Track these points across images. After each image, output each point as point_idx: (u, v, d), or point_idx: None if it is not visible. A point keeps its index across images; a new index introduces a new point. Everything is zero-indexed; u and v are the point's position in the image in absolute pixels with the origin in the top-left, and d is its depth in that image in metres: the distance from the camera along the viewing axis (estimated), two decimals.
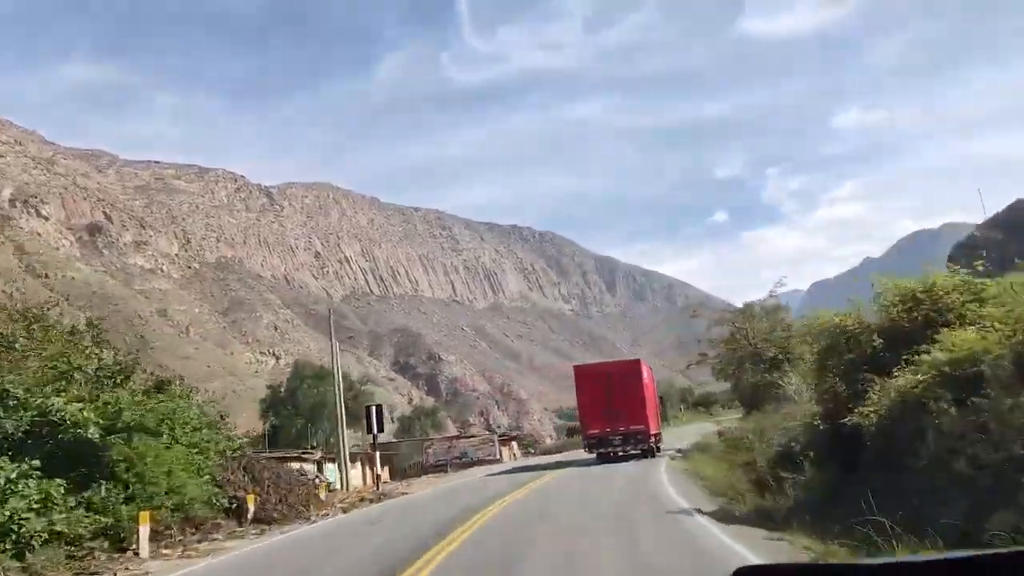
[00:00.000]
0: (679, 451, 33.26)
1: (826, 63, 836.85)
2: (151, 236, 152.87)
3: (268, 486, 22.01)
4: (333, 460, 40.26)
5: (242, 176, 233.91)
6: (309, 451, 40.21)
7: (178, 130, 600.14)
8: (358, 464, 46.16)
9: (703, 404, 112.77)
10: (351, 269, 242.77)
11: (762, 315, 39.18)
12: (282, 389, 62.25)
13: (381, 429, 33.49)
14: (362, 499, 26.34)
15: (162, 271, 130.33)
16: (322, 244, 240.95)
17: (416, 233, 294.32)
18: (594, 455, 33.31)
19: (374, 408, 33.86)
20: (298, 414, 56.60)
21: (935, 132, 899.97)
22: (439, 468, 50.86)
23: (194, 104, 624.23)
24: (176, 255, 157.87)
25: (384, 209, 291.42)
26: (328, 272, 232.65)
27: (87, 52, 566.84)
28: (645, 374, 34.92)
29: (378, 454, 37.90)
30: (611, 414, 31.87)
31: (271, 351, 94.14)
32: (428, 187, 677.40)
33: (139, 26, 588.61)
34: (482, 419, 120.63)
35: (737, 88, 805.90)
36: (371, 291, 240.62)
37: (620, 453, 32.17)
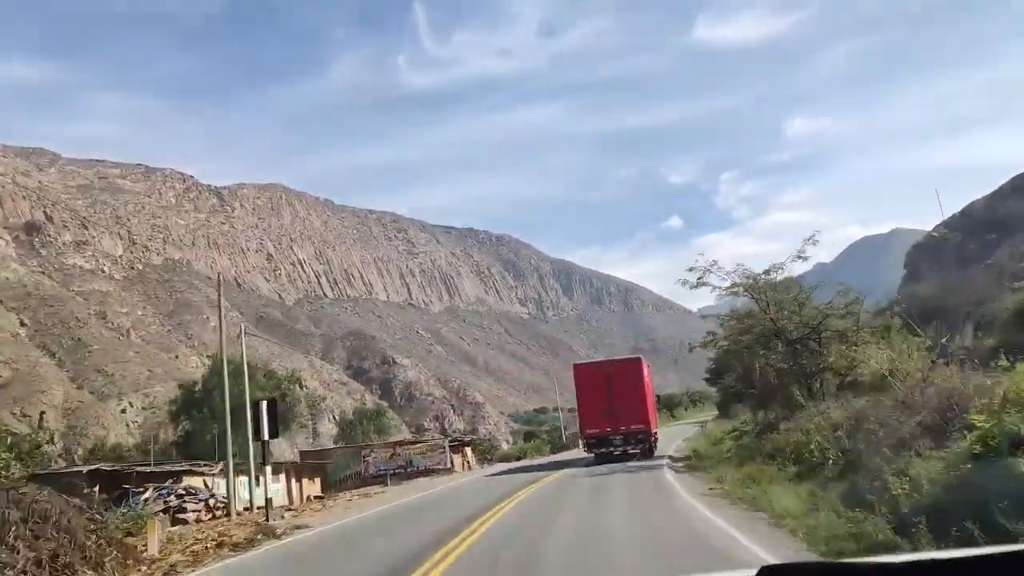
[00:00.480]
0: (672, 458, 29.82)
1: (775, 71, 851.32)
2: (93, 236, 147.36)
3: (15, 539, 12.08)
4: (249, 473, 34.73)
5: (191, 176, 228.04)
6: (204, 464, 34.08)
7: (124, 130, 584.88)
8: (281, 478, 40.13)
9: (667, 406, 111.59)
10: (304, 272, 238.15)
11: (785, 286, 30.70)
12: (197, 388, 53.24)
13: (275, 433, 24.30)
14: (221, 544, 16.86)
15: (103, 272, 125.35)
16: (274, 246, 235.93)
17: (371, 236, 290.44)
18: (592, 455, 32.85)
19: (264, 404, 23.62)
20: (214, 417, 46.67)
21: (879, 140, 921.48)
22: (379, 479, 44.91)
23: (142, 104, 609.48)
24: (120, 256, 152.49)
25: (338, 211, 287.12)
26: (280, 275, 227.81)
27: (29, 51, 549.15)
28: (645, 372, 34.41)
29: (266, 470, 26.12)
30: (612, 413, 31.40)
31: (218, 355, 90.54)
32: (383, 190, 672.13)
33: (85, 25, 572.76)
34: (437, 424, 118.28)
35: (690, 94, 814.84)
36: (324, 294, 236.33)
37: (619, 453, 31.58)
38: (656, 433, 35.98)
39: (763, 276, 28.66)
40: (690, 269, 29.20)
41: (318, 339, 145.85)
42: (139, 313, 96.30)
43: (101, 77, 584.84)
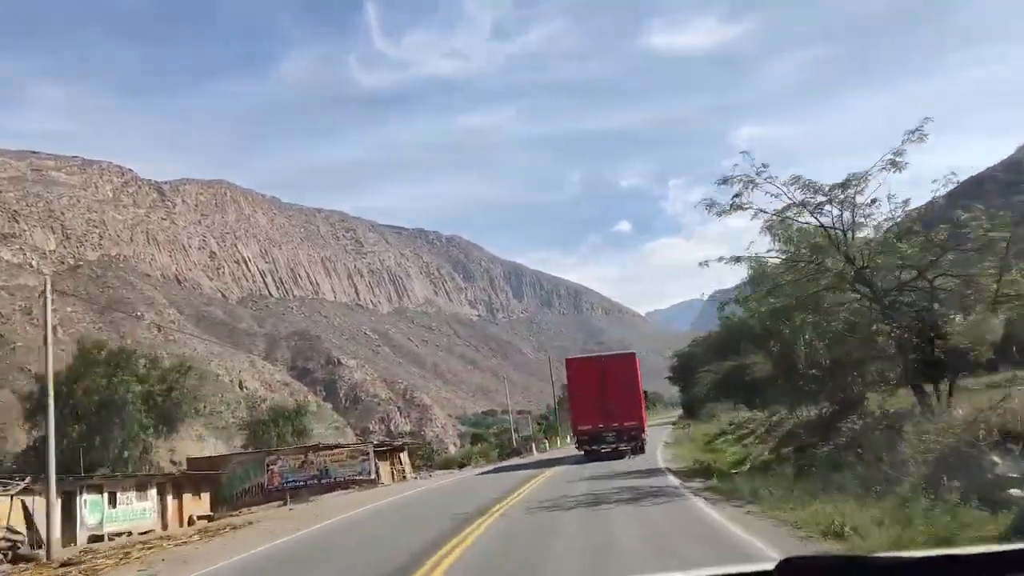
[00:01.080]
0: (676, 471, 23.41)
1: (726, 79, 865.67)
2: (24, 230, 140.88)
3: None
4: (101, 491, 29.04)
5: (130, 170, 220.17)
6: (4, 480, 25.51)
7: (65, 124, 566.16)
8: (152, 495, 32.67)
9: None
10: (249, 270, 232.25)
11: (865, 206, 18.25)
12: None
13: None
14: None
15: (31, 266, 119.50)
16: (218, 244, 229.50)
17: (319, 235, 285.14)
18: (581, 454, 32.67)
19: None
20: (78, 418, 40.15)
21: (825, 149, 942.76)
22: (290, 492, 37.39)
23: (84, 98, 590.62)
24: (52, 251, 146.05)
25: (285, 209, 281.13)
26: (224, 273, 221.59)
27: None
28: (638, 368, 34.06)
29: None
30: (605, 409, 30.92)
31: (152, 353, 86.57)
32: (332, 190, 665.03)
33: (27, 16, 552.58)
34: (383, 426, 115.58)
35: (642, 100, 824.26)
36: (270, 293, 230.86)
37: (609, 450, 31.22)
38: (645, 430, 35.37)
39: (839, 190, 17.59)
40: (723, 181, 18.66)
41: (261, 338, 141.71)
42: (68, 309, 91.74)
43: (40, 68, 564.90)
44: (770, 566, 1.94)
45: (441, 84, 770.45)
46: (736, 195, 18.58)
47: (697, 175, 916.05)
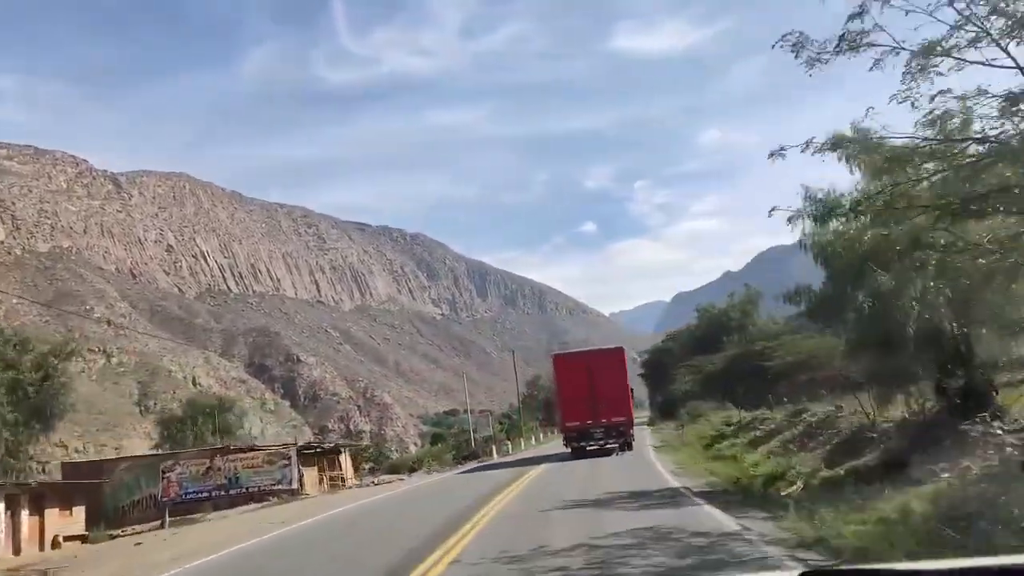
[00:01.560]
0: (702, 493, 15.82)
1: (692, 82, 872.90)
2: None
3: None
4: None
5: (84, 160, 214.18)
6: None
7: (17, 113, 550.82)
8: None
9: None
10: (207, 265, 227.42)
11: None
12: None
13: None
14: None
15: None
16: (176, 237, 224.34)
17: (280, 230, 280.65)
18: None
19: None
20: None
21: (789, 154, 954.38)
22: (191, 504, 32.38)
23: (37, 87, 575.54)
24: (1, 242, 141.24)
25: (246, 204, 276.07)
26: (181, 267, 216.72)
27: None
28: (626, 363, 33.88)
29: None
30: (593, 406, 30.56)
31: (101, 348, 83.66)
32: (295, 186, 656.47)
33: None
34: (343, 425, 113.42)
35: (608, 102, 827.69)
36: (229, 289, 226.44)
37: (595, 447, 31.00)
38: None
39: None
40: None
41: (218, 335, 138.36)
42: (13, 301, 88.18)
43: None
44: (795, 574, 1.94)
45: (408, 82, 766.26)
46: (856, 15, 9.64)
47: (662, 177, 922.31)
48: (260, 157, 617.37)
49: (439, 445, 59.09)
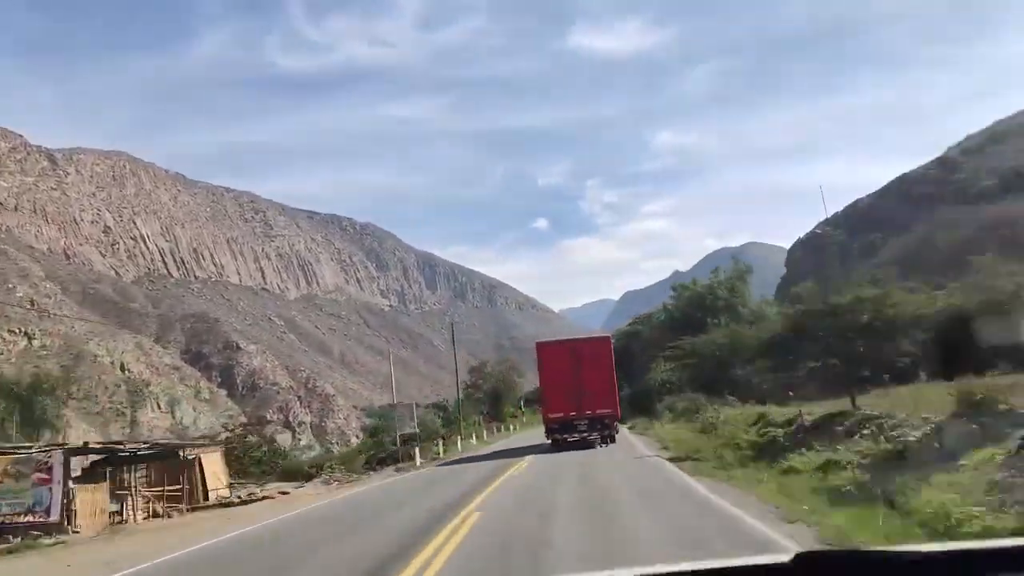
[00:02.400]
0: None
1: (646, 84, 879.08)
2: None
3: None
4: None
5: (19, 135, 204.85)
6: None
7: None
8: None
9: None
10: (147, 248, 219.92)
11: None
12: None
13: None
14: None
15: None
16: (114, 218, 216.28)
17: (226, 215, 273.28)
18: (548, 442, 31.15)
19: None
20: None
21: (737, 158, 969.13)
22: None
23: None
24: None
25: (190, 187, 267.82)
26: (119, 249, 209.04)
27: None
28: (612, 352, 32.90)
29: None
30: (578, 396, 29.55)
31: (22, 330, 78.99)
32: (243, 172, 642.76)
33: None
34: (282, 415, 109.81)
35: (564, 100, 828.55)
36: (169, 273, 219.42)
37: (576, 439, 29.64)
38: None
39: None
40: None
41: (154, 320, 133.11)
42: None
43: None
44: (787, 558, 1.97)
45: (363, 72, 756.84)
46: None
47: (615, 177, 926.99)
48: (207, 141, 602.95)
49: (380, 436, 51.29)
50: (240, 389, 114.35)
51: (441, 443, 41.89)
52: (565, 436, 30.14)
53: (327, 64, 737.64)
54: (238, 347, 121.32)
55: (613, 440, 31.00)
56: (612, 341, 33.72)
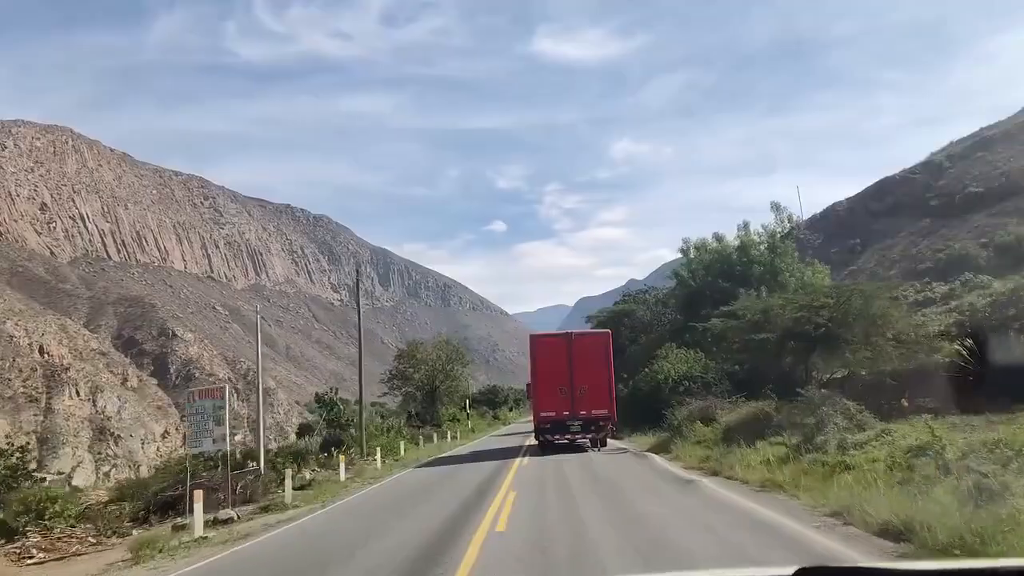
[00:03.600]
0: None
1: (608, 92, 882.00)
2: None
3: None
4: None
5: None
6: None
7: None
8: None
9: (490, 403, 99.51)
10: (86, 228, 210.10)
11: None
12: None
13: None
14: None
15: None
16: (52, 196, 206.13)
17: (173, 199, 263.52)
18: (535, 444, 29.93)
19: None
20: None
21: (693, 171, 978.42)
22: None
23: None
24: None
25: (136, 167, 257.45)
26: (56, 228, 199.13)
27: None
28: (611, 348, 30.25)
29: None
30: (572, 394, 27.93)
31: None
32: (194, 158, 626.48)
33: None
34: None
35: (526, 103, 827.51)
36: (109, 256, 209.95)
37: (565, 442, 28.35)
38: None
39: None
40: None
41: (85, 302, 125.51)
42: None
43: None
44: (790, 571, 1.96)
45: (323, 64, 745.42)
46: None
47: (572, 183, 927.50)
48: (158, 125, 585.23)
49: (309, 438, 45.15)
50: (174, 378, 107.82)
51: (340, 459, 26.54)
52: (555, 436, 28.57)
53: (286, 54, 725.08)
54: (174, 334, 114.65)
55: (605, 443, 29.28)
56: (611, 337, 30.88)
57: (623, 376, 37.17)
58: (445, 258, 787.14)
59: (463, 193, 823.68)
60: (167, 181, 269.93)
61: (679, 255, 47.09)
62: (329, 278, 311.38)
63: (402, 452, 36.35)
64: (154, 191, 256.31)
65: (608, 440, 30.33)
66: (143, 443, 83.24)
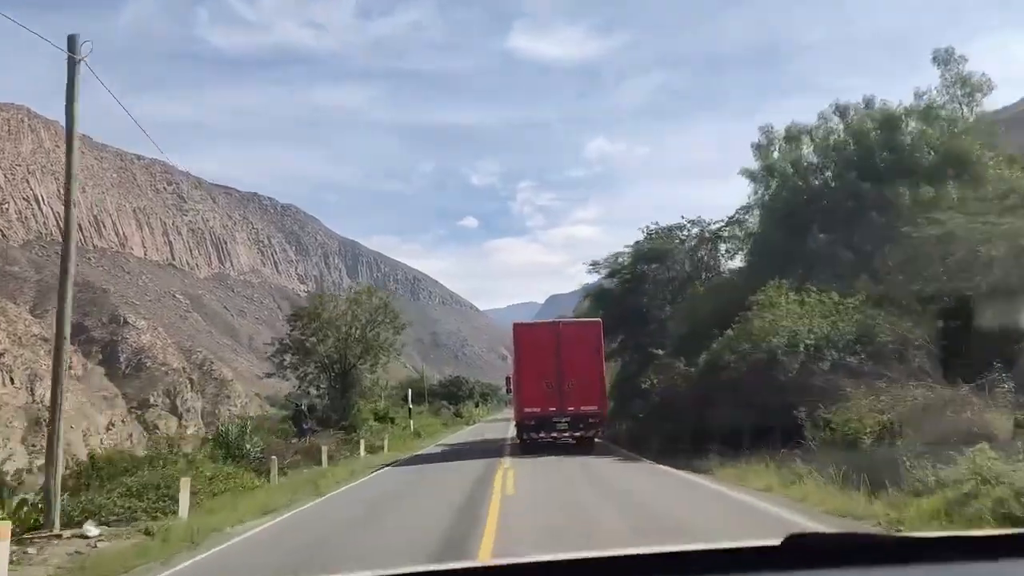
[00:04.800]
0: None
1: (583, 91, 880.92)
2: None
3: None
4: None
5: None
6: None
7: None
8: None
9: (451, 397, 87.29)
10: (41, 211, 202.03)
11: None
12: None
13: None
14: None
15: None
16: (5, 176, 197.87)
17: (135, 183, 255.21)
18: (516, 441, 27.91)
19: None
20: None
21: (665, 171, 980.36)
22: None
23: None
24: None
25: (97, 149, 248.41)
26: (8, 210, 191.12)
27: None
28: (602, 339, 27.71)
29: None
30: (559, 389, 25.68)
31: None
32: (160, 144, 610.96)
33: None
34: (168, 399, 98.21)
35: (500, 99, 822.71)
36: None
37: (547, 439, 26.02)
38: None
39: None
40: None
41: (32, 285, 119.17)
42: None
43: None
44: (776, 541, 1.98)
45: (296, 55, 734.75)
46: None
47: (546, 180, 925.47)
48: (122, 111, 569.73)
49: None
50: (124, 368, 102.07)
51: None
52: (539, 435, 26.20)
53: (259, 43, 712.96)
54: (126, 321, 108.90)
55: (592, 445, 26.84)
56: (602, 327, 27.67)
57: (650, 355, 27.74)
58: (416, 252, 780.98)
59: (435, 188, 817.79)
60: (128, 164, 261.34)
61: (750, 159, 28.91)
62: (296, 269, 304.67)
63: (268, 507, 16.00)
64: (114, 174, 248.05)
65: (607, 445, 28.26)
66: (85, 435, 77.82)
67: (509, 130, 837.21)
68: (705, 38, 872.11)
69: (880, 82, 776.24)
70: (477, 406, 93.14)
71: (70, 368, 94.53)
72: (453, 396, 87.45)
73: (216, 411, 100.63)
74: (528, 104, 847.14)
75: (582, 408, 25.90)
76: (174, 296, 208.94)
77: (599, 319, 28.95)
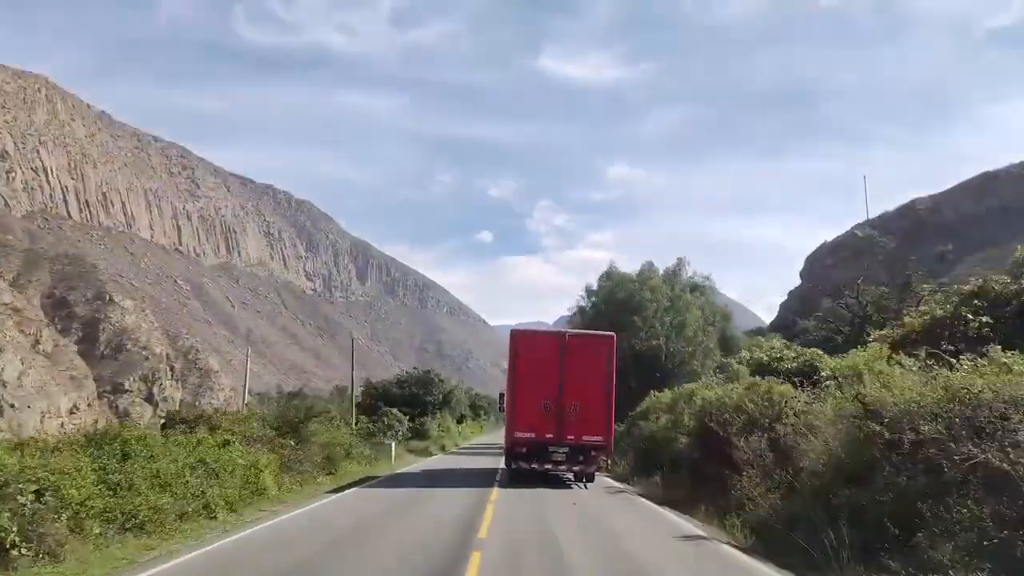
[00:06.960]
0: None
1: (608, 117, 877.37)
2: None
3: None
4: None
5: None
6: None
7: None
8: None
9: (413, 403, 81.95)
10: (48, 183, 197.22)
11: None
12: None
13: None
14: None
15: None
16: (16, 144, 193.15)
17: (149, 164, 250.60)
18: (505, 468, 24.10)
19: None
20: None
21: (684, 203, 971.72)
22: None
23: None
24: None
25: (113, 126, 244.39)
26: (15, 179, 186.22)
27: None
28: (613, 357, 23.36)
29: None
30: (560, 413, 22.02)
31: None
32: (182, 134, 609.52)
33: None
34: (144, 386, 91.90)
35: (525, 118, 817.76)
36: (69, 214, 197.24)
37: (540, 470, 22.40)
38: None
39: None
40: None
41: (19, 255, 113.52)
42: None
43: None
44: None
45: (326, 57, 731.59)
46: None
47: (564, 201, 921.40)
48: (150, 97, 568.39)
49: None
50: (102, 348, 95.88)
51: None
52: (533, 465, 22.57)
53: (291, 43, 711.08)
54: (111, 299, 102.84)
55: (591, 479, 23.57)
56: (614, 343, 23.36)
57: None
58: (429, 262, 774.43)
59: (454, 200, 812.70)
60: (144, 145, 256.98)
61: None
62: (304, 265, 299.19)
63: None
64: (128, 154, 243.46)
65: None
66: (43, 417, 71.42)
67: (530, 148, 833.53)
68: (733, 75, 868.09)
69: (910, 132, 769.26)
70: (462, 422, 71.21)
71: (37, 343, 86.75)
72: (417, 402, 60.16)
73: (197, 402, 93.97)
74: (552, 124, 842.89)
75: (584, 438, 22.31)
76: (175, 281, 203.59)
77: (612, 333, 24.20)
